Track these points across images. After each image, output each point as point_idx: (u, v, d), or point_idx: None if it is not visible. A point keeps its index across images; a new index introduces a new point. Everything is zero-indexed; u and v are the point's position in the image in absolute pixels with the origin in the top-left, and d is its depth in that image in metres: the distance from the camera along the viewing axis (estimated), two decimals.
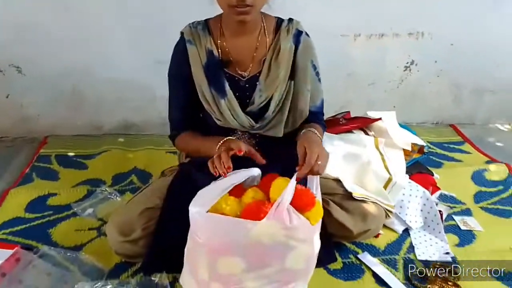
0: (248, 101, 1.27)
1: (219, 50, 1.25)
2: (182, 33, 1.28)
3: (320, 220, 1.08)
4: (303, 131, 1.26)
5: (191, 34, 1.25)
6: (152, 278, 1.23)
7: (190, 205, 1.03)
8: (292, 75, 1.27)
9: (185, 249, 1.10)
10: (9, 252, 1.26)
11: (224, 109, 1.24)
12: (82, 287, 1.18)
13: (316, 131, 1.24)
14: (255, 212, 1.00)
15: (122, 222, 1.26)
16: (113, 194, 1.67)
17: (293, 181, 1.00)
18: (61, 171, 1.88)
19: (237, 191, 1.09)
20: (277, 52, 1.25)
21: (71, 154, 2.01)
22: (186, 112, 1.33)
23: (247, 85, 1.27)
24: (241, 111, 1.25)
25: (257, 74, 1.26)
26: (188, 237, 1.08)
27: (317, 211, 1.06)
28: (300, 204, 1.02)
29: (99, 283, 1.20)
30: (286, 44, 1.25)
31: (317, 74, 1.33)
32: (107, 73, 2.07)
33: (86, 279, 1.24)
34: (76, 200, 1.66)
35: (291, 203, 1.00)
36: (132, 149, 2.06)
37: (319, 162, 1.10)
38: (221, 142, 1.17)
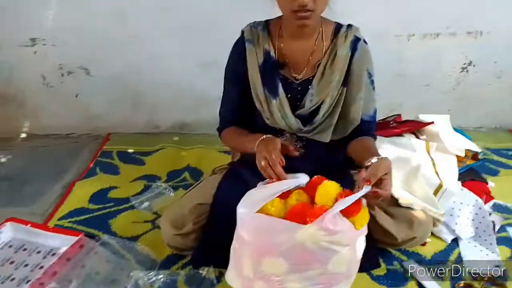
0: (299, 103, 1.29)
1: (276, 52, 1.28)
2: (242, 32, 1.32)
3: (366, 225, 1.09)
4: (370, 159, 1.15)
5: (251, 34, 1.30)
6: (200, 272, 1.30)
7: (238, 205, 1.08)
8: (346, 82, 1.27)
9: (231, 246, 1.14)
10: (74, 238, 1.39)
11: (274, 109, 1.27)
12: (137, 275, 1.28)
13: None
14: (299, 215, 1.02)
15: (175, 216, 1.33)
16: (167, 190, 1.77)
17: (354, 196, 1.01)
18: (121, 166, 2.02)
19: (283, 192, 1.11)
20: (332, 57, 1.26)
21: (130, 150, 2.15)
22: (237, 109, 1.37)
23: (299, 88, 1.29)
24: (290, 112, 1.27)
25: (311, 78, 1.28)
26: (235, 235, 1.12)
27: (363, 216, 1.07)
28: (347, 209, 1.02)
29: (152, 273, 1.30)
30: (342, 51, 1.26)
31: (372, 82, 1.32)
32: (163, 75, 2.19)
33: (140, 268, 1.33)
34: (134, 194, 1.77)
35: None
36: (186, 148, 2.17)
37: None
38: (260, 139, 1.19)
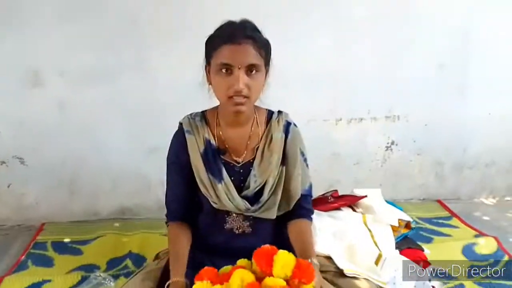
0: (242, 185, 1.34)
1: (216, 139, 1.35)
2: (180, 124, 1.37)
3: None
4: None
5: (189, 125, 1.35)
6: None
7: None
8: (283, 162, 1.36)
9: None
10: None
11: (221, 192, 1.30)
12: None
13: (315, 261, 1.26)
14: None
15: None
16: (107, 279, 1.65)
17: None
18: (56, 257, 1.89)
19: (219, 278, 1.08)
20: (269, 141, 1.35)
21: (66, 240, 2.04)
22: (183, 199, 1.37)
23: (241, 171, 1.34)
24: (237, 194, 1.31)
25: (251, 161, 1.34)
26: None
27: None
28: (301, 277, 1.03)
29: None
30: (277, 134, 1.36)
31: (305, 160, 1.42)
32: (102, 161, 2.18)
33: None
34: (70, 286, 1.66)
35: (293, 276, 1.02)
36: (128, 233, 2.09)
37: None
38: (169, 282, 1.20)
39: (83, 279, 1.70)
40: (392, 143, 2.45)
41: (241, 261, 1.16)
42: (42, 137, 2.12)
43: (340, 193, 2.04)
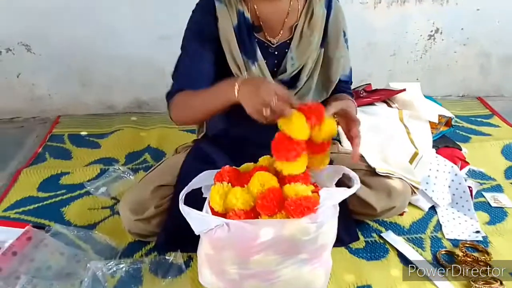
0: (275, 69, 1.21)
1: (250, 13, 1.17)
2: None
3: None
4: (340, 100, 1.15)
5: None
6: (167, 257, 1.19)
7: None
8: (323, 43, 1.21)
9: (201, 251, 1.03)
10: (21, 231, 1.24)
11: (254, 75, 1.17)
12: (95, 266, 1.14)
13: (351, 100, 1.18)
14: (272, 203, 0.92)
15: (135, 200, 1.22)
16: (126, 173, 1.63)
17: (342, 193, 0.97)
18: (74, 150, 1.84)
19: (239, 178, 1.01)
20: (309, 17, 1.19)
21: (83, 133, 1.97)
22: (199, 73, 1.17)
23: (276, 53, 1.20)
24: (271, 78, 1.18)
25: (288, 41, 1.20)
26: (203, 241, 1.00)
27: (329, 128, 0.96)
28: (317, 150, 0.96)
29: (112, 262, 1.17)
30: (319, 9, 1.19)
31: (346, 41, 1.27)
32: (113, 50, 2.01)
33: (99, 258, 1.21)
34: (90, 179, 1.62)
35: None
36: (145, 128, 2.01)
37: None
38: (242, 81, 0.96)
39: (102, 171, 1.67)
40: (437, 30, 2.16)
41: (263, 159, 1.06)
42: (48, 21, 1.93)
43: (373, 88, 1.86)
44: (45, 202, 1.49)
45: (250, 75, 1.16)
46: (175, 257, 1.19)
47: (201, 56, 1.16)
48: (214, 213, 0.97)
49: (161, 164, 1.33)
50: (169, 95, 1.17)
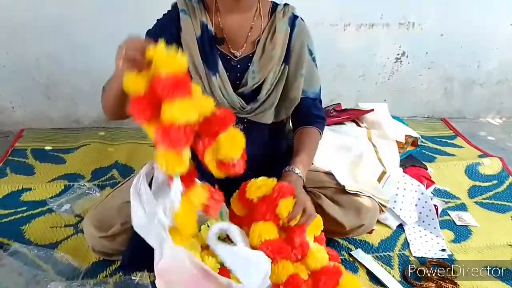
0: (238, 82, 1.21)
1: (213, 26, 1.18)
2: (175, 4, 1.19)
3: None
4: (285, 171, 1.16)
5: (185, 5, 1.17)
6: (132, 278, 1.16)
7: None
8: (287, 59, 1.22)
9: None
10: None
11: (215, 86, 1.16)
12: (55, 287, 1.09)
13: (298, 170, 1.15)
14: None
15: (100, 217, 1.18)
16: (92, 189, 1.58)
17: None
18: (37, 165, 1.77)
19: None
20: (272, 33, 1.20)
21: (48, 148, 1.91)
22: None
23: (238, 66, 1.20)
24: (232, 90, 1.18)
25: (250, 55, 1.20)
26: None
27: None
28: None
29: (74, 283, 1.13)
30: (282, 26, 1.21)
31: (314, 59, 1.28)
32: (82, 63, 1.97)
33: (60, 279, 1.16)
34: (53, 195, 1.57)
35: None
36: (113, 143, 1.97)
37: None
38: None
39: (66, 188, 1.61)
40: (403, 54, 2.24)
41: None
42: (14, 34, 1.88)
43: (343, 107, 1.90)
44: (4, 220, 1.43)
45: (211, 85, 1.16)
46: (141, 277, 1.15)
47: None
48: None
49: (129, 180, 1.30)
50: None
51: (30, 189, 1.59)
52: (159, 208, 0.88)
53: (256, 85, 1.20)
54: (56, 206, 1.49)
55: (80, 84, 2.02)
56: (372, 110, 1.76)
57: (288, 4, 1.26)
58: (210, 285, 0.84)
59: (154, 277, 1.13)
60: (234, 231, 0.93)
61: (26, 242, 1.32)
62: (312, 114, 1.28)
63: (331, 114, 1.84)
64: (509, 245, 1.43)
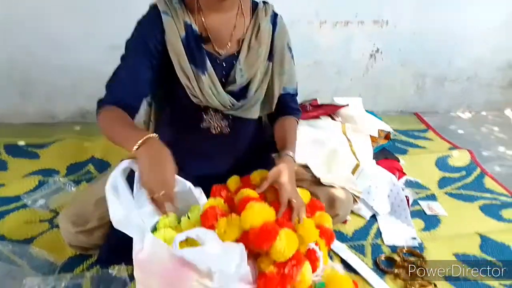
0: (224, 80, 1.21)
1: (197, 25, 1.18)
2: (154, 5, 1.16)
3: None
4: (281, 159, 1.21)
5: (166, 6, 1.15)
6: (110, 271, 1.15)
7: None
8: (271, 57, 1.25)
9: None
10: None
11: (205, 85, 1.16)
12: (31, 282, 1.09)
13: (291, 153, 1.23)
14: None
15: (77, 211, 1.18)
16: (67, 185, 1.57)
17: None
18: (10, 161, 1.74)
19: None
20: (256, 31, 1.22)
21: (21, 143, 1.87)
22: (135, 86, 1.13)
23: (224, 64, 1.21)
24: (222, 89, 1.19)
25: (235, 54, 1.21)
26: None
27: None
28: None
29: (51, 278, 1.11)
30: (265, 24, 1.23)
31: (292, 57, 1.32)
32: (58, 59, 1.94)
33: (36, 274, 1.14)
34: (27, 191, 1.54)
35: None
36: (90, 138, 1.93)
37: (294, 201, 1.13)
38: (140, 141, 0.97)
39: (41, 183, 1.59)
40: (377, 51, 2.29)
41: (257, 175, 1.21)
42: None
43: (319, 103, 1.94)
44: None
45: (200, 85, 1.17)
46: (119, 271, 1.14)
47: (138, 71, 1.13)
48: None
49: (106, 175, 1.28)
50: (101, 104, 1.13)
51: (3, 185, 1.57)
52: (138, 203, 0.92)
53: (244, 83, 1.22)
54: (31, 202, 1.47)
55: (56, 80, 1.99)
56: (347, 105, 1.81)
57: (267, 2, 1.27)
58: (189, 272, 0.86)
59: (132, 270, 1.15)
60: (202, 235, 0.95)
61: (0, 238, 1.30)
62: (291, 107, 1.33)
63: (308, 110, 1.88)
64: (477, 233, 1.50)
